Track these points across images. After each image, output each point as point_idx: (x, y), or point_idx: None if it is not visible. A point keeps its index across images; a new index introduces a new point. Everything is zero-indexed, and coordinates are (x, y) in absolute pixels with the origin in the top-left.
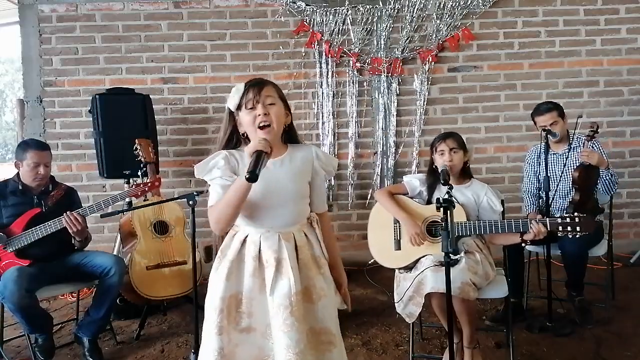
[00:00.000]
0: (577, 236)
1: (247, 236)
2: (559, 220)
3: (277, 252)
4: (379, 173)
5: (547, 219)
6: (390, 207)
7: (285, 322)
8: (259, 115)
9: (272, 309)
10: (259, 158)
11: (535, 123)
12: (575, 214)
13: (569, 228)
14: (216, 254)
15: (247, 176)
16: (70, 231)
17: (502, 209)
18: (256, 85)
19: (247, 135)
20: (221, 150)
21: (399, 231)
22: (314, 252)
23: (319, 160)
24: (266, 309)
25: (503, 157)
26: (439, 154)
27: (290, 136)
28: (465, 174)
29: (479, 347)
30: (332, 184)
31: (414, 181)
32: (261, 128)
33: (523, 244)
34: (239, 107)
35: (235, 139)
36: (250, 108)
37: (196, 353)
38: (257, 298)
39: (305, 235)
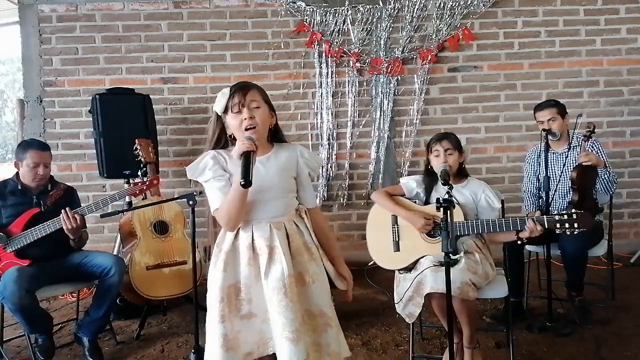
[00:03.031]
0: (575, 233)
1: (239, 228)
2: (557, 218)
3: (269, 240)
4: (379, 173)
5: (545, 216)
6: (389, 205)
7: (280, 303)
8: (245, 119)
9: (267, 292)
10: (248, 160)
11: (536, 119)
12: (573, 210)
13: (566, 225)
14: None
15: (242, 183)
16: (64, 228)
17: (500, 207)
18: (241, 90)
19: (234, 136)
20: (209, 151)
21: (397, 232)
22: (305, 239)
23: (304, 158)
24: (263, 295)
25: (503, 157)
26: (434, 155)
27: (276, 136)
28: (461, 174)
29: (479, 347)
30: (332, 183)
31: (410, 182)
32: (247, 130)
33: (519, 242)
34: (225, 111)
35: (223, 141)
36: (237, 112)
37: (196, 353)
38: (254, 285)
39: (296, 224)
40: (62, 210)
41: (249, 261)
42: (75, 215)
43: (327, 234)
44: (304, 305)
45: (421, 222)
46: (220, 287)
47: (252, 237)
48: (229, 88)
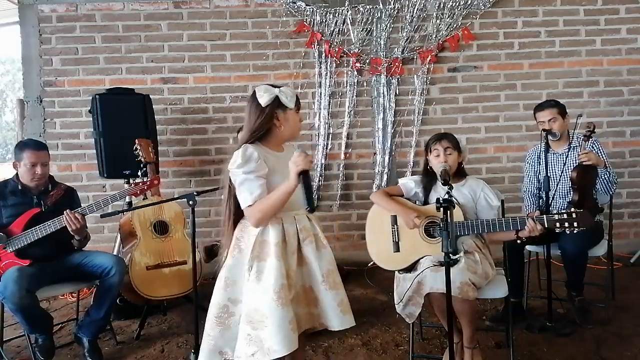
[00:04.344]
0: (575, 232)
1: (281, 220)
2: (556, 217)
3: (310, 229)
4: (378, 173)
5: (544, 216)
6: (385, 204)
7: (334, 281)
8: (302, 120)
9: (319, 274)
10: (309, 182)
11: (536, 119)
12: (572, 209)
13: (566, 224)
14: (223, 251)
15: (308, 209)
16: (69, 229)
17: (499, 204)
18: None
19: (272, 128)
20: (247, 144)
21: (397, 233)
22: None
23: None
24: (300, 280)
25: (503, 157)
26: (433, 155)
27: None
28: (459, 174)
29: (479, 347)
30: (332, 183)
31: (409, 183)
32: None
33: (519, 241)
34: (293, 107)
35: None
36: (298, 111)
37: (196, 353)
38: (294, 271)
39: None
40: (65, 212)
41: (295, 250)
42: (78, 216)
43: None
44: None
45: (410, 217)
46: (282, 273)
47: (296, 227)
48: (290, 87)
